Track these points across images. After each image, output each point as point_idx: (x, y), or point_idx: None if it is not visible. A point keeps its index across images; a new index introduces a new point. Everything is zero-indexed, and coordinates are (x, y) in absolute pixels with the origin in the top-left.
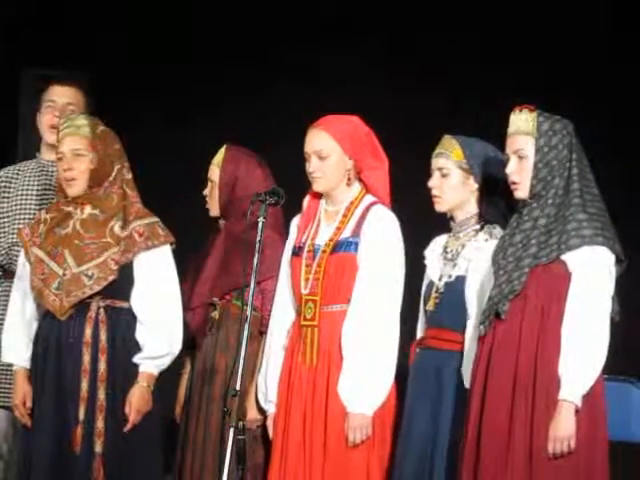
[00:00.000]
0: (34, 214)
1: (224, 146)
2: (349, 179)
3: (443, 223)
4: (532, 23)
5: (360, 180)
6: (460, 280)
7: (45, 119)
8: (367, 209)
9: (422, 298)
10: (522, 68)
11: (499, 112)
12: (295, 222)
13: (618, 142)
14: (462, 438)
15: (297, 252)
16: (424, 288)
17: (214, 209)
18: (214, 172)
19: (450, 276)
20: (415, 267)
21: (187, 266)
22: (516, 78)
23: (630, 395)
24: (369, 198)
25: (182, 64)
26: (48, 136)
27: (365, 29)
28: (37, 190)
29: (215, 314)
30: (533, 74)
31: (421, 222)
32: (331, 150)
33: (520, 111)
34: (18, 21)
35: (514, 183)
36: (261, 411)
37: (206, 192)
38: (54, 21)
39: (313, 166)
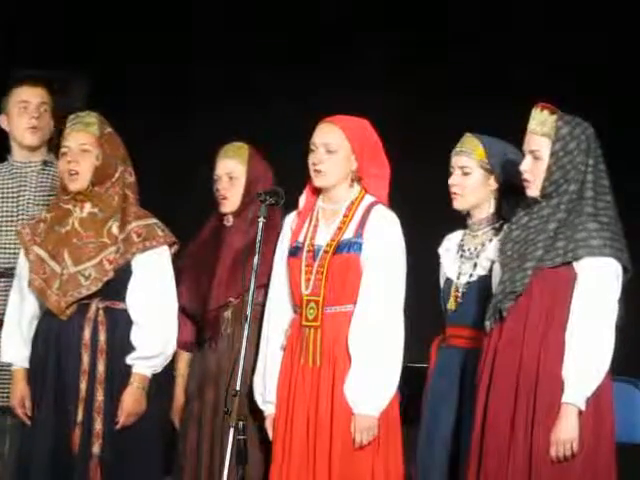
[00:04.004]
0: (12, 217)
1: (240, 143)
2: (352, 180)
3: (438, 221)
4: (531, 23)
5: (360, 183)
6: (483, 280)
7: (22, 121)
8: (368, 209)
9: (441, 297)
10: (522, 68)
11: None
12: (289, 221)
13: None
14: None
15: (295, 252)
16: (442, 287)
17: (231, 205)
18: (235, 167)
19: (471, 275)
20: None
21: (185, 263)
22: (515, 78)
23: (632, 396)
24: (369, 198)
25: (182, 64)
26: (27, 138)
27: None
28: (13, 192)
29: (228, 314)
30: (533, 74)
31: (420, 220)
32: (340, 146)
33: (542, 110)
34: (17, 21)
35: (527, 181)
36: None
37: (223, 187)
38: (53, 21)
39: (319, 158)
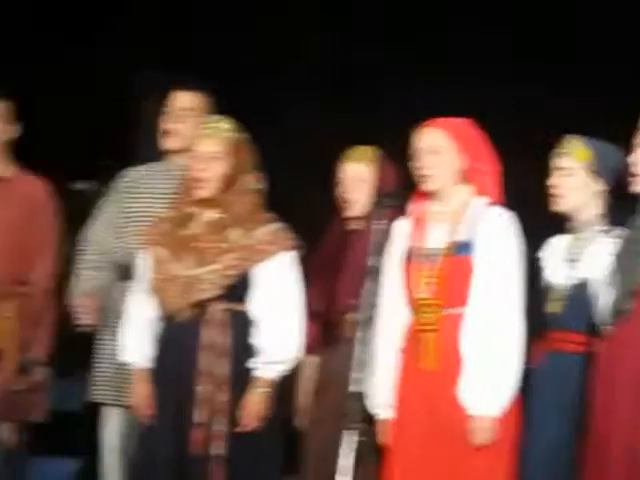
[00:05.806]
0: None
1: (365, 147)
2: (460, 179)
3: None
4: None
5: (470, 182)
6: (586, 283)
7: (163, 125)
8: (482, 210)
9: (543, 301)
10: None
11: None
12: (399, 226)
13: None
14: (587, 441)
15: (408, 257)
16: (542, 290)
17: (358, 208)
18: (362, 171)
19: (575, 278)
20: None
21: (312, 266)
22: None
23: None
24: (482, 198)
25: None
26: (162, 142)
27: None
28: (163, 194)
29: (353, 317)
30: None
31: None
32: (445, 146)
33: None
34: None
35: (634, 175)
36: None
37: (349, 190)
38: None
39: (425, 163)
